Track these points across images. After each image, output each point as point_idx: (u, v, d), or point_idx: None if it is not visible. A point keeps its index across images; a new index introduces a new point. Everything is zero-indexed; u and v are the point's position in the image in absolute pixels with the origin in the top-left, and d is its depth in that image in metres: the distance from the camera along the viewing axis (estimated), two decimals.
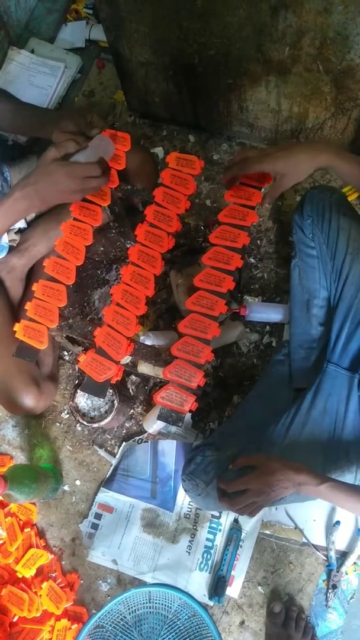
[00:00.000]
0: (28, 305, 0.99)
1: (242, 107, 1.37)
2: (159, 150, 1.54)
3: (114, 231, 1.30)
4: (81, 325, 1.00)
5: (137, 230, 1.02)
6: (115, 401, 1.16)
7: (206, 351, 0.91)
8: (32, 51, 1.66)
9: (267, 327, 1.32)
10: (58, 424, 1.30)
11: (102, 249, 1.35)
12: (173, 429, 1.24)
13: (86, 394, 1.18)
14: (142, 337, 1.17)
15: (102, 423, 1.15)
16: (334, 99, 1.24)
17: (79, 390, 1.19)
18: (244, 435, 1.11)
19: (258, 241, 1.41)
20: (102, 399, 1.18)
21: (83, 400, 1.18)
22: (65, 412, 1.31)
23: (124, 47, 1.29)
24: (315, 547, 1.16)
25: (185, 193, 1.03)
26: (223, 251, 0.96)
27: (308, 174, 0.94)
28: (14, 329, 0.98)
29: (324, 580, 1.15)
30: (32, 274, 1.28)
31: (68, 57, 1.66)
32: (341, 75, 1.16)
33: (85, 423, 1.15)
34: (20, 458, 1.28)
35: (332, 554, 1.14)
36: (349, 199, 1.40)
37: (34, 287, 1.00)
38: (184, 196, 1.02)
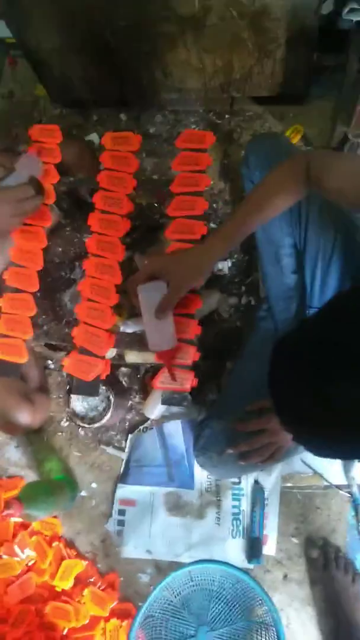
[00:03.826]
0: None
1: (165, 73, 1.32)
2: (93, 137, 1.49)
3: (67, 228, 1.26)
4: (57, 330, 0.98)
5: (90, 220, 0.99)
6: (111, 396, 1.15)
7: (193, 325, 0.89)
8: None
9: (243, 288, 1.31)
10: (60, 434, 1.28)
11: (60, 249, 1.31)
12: (174, 409, 1.23)
13: (80, 397, 1.16)
14: (122, 327, 1.15)
15: (103, 421, 1.13)
16: (255, 43, 1.20)
17: (72, 395, 1.16)
18: (246, 397, 1.10)
19: (214, 205, 1.39)
20: (96, 398, 1.16)
21: (78, 403, 1.16)
22: (64, 419, 1.28)
23: (29, 36, 1.23)
24: (338, 487, 1.18)
25: (129, 171, 1.00)
26: (185, 222, 0.94)
27: (203, 270, 0.87)
28: None
29: (353, 516, 1.17)
30: None
31: None
32: (257, 16, 1.12)
33: (86, 426, 1.14)
34: (31, 476, 1.26)
35: (355, 489, 1.16)
36: (293, 141, 1.38)
37: (0, 302, 0.97)
38: (129, 175, 1.00)
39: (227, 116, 1.47)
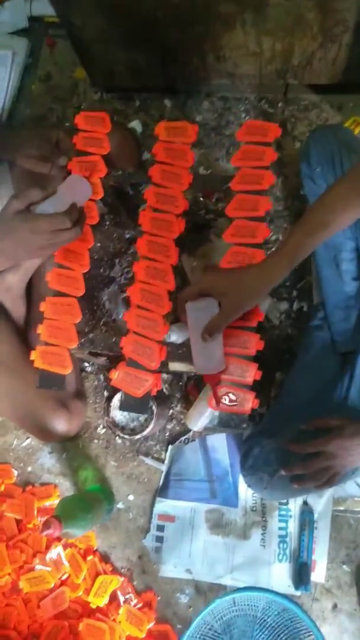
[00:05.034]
0: (40, 329, 0.89)
1: (218, 57, 1.22)
2: (135, 124, 1.40)
3: (107, 223, 1.19)
4: (104, 338, 0.90)
5: (141, 219, 0.90)
6: (154, 406, 1.07)
7: (254, 340, 0.81)
8: None
9: (295, 292, 1.22)
10: (96, 441, 1.21)
11: (99, 244, 1.24)
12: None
13: None
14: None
15: (145, 433, 1.06)
16: (320, 26, 1.10)
17: (112, 404, 1.09)
18: (299, 414, 1.02)
19: None
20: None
21: (119, 413, 1.09)
22: (101, 426, 1.22)
23: (75, 14, 1.14)
24: None
25: (184, 166, 0.91)
26: (245, 224, 0.85)
27: (261, 293, 0.79)
28: (31, 357, 0.88)
29: None
30: (32, 290, 1.17)
31: (14, 41, 1.50)
32: None
33: (126, 437, 1.07)
34: (64, 485, 1.20)
35: None
36: (355, 132, 1.27)
37: (42, 306, 0.90)
38: (185, 169, 0.91)
39: (280, 104, 1.37)
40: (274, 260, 0.78)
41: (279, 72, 1.25)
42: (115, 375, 0.84)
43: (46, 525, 0.88)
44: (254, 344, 0.81)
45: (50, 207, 0.78)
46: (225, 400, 0.79)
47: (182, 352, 0.86)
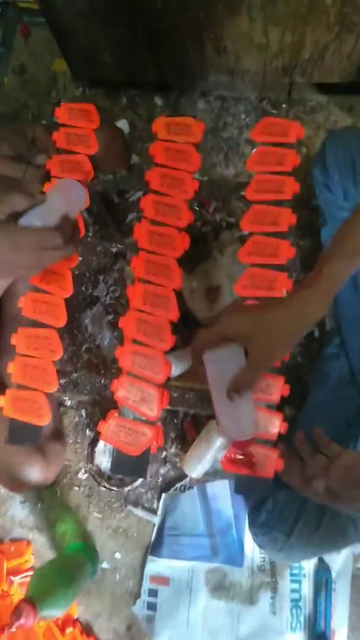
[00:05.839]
0: (10, 367, 0.72)
1: (218, 49, 1.08)
2: (122, 124, 1.25)
3: (90, 234, 1.03)
4: (90, 379, 0.73)
5: (137, 233, 0.75)
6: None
7: (278, 383, 0.66)
8: None
9: None
10: (77, 488, 1.04)
11: (80, 258, 1.08)
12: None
13: (107, 452, 0.92)
14: None
15: (136, 484, 0.90)
16: (338, 13, 0.96)
17: (97, 448, 0.93)
18: None
19: None
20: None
21: (105, 459, 0.93)
22: (83, 471, 1.05)
23: None
24: None
25: (189, 170, 0.76)
26: (265, 240, 0.71)
27: (298, 336, 0.65)
28: (0, 404, 0.71)
29: None
30: (2, 311, 1.00)
31: None
32: None
33: (114, 488, 0.90)
34: (39, 541, 1.03)
35: None
36: None
37: (13, 339, 0.73)
38: (189, 174, 0.76)
39: (284, 105, 1.23)
40: (305, 295, 0.63)
41: (286, 68, 1.11)
42: (105, 428, 0.67)
43: (17, 613, 0.71)
44: (278, 388, 0.66)
45: (38, 219, 0.62)
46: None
47: (189, 397, 0.70)
